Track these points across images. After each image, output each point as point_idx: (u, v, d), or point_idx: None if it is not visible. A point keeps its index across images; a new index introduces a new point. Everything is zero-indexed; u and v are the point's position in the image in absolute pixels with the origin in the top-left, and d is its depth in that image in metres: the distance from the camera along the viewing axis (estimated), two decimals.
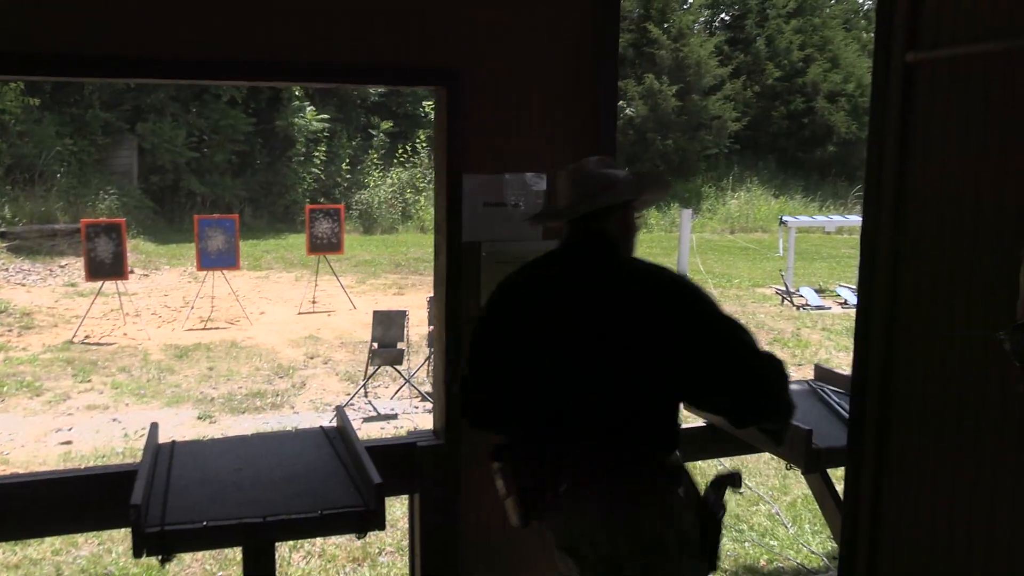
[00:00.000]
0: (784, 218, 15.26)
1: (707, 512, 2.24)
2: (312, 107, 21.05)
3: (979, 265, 1.60)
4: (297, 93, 20.74)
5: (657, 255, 16.49)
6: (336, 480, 2.70)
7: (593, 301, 2.21)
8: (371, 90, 22.16)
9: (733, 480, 2.29)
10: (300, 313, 11.59)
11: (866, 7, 30.17)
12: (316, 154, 20.84)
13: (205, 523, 2.38)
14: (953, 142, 1.67)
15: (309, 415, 7.43)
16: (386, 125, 21.97)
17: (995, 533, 1.73)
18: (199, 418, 7.35)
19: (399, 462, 3.14)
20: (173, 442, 3.00)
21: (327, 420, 7.23)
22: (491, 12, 3.03)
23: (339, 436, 3.10)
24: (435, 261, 3.23)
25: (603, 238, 2.29)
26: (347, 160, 21.27)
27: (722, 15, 28.46)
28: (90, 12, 2.61)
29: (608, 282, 2.23)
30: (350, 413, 7.46)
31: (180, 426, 7.12)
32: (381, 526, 2.52)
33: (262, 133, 20.80)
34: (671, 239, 18.29)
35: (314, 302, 12.13)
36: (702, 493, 2.29)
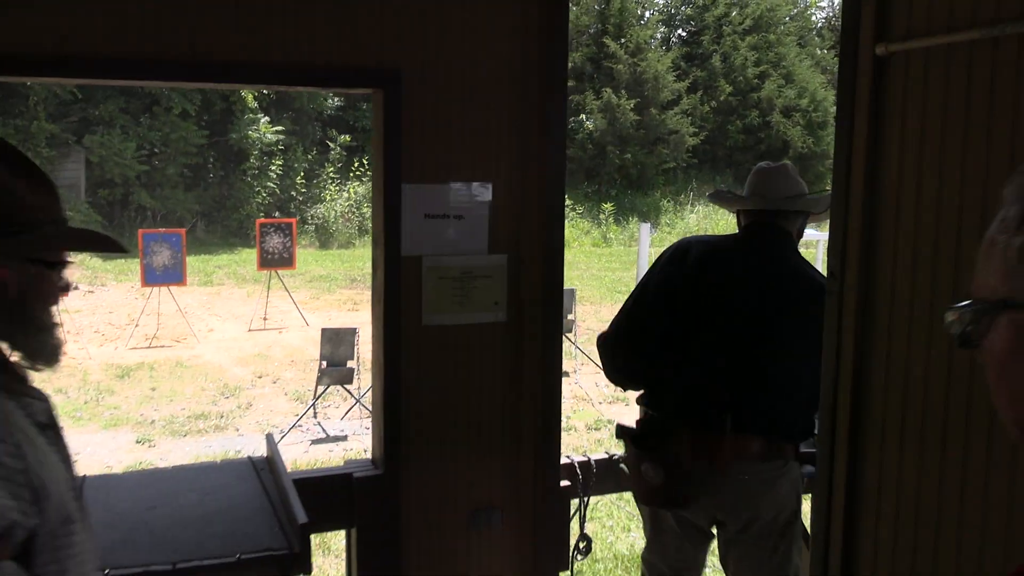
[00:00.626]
0: None
1: None
2: (267, 119, 20.69)
3: (962, 271, 1.44)
4: (251, 105, 20.39)
5: (616, 269, 16.39)
6: (260, 518, 2.46)
7: (789, 289, 2.47)
8: (328, 102, 21.89)
9: (813, 458, 2.43)
10: (250, 330, 11.26)
11: (819, 25, 30.61)
12: (271, 167, 20.47)
13: (107, 571, 2.13)
14: (931, 138, 1.51)
15: (255, 438, 7.14)
16: (343, 139, 21.68)
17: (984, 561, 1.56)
18: (138, 442, 7.02)
19: (335, 494, 2.90)
20: (83, 476, 2.74)
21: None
22: (436, 13, 2.84)
23: (267, 467, 2.86)
24: (373, 276, 3.01)
25: (790, 236, 2.61)
26: (303, 174, 20.93)
27: (679, 31, 28.66)
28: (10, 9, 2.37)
29: (800, 275, 2.50)
30: (298, 435, 7.17)
31: (117, 450, 6.78)
32: (307, 570, 2.28)
33: (215, 146, 20.40)
34: (630, 253, 18.23)
35: (265, 319, 11.80)
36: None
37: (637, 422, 2.69)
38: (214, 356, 9.87)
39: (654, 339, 2.66)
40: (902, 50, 1.52)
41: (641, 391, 2.73)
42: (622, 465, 3.30)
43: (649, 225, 17.03)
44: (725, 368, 2.46)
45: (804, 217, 2.68)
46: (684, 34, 28.44)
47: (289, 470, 2.81)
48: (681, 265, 2.63)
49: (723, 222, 23.57)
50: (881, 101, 1.55)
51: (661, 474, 2.46)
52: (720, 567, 2.75)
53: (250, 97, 20.37)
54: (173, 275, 10.42)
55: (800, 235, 2.69)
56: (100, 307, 12.64)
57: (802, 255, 2.66)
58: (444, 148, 2.92)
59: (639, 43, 25.18)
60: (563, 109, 2.99)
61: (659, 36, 27.68)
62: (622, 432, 2.63)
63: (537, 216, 2.98)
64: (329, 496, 2.85)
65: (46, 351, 1.35)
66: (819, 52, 29.16)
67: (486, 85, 2.94)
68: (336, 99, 22.22)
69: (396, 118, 2.82)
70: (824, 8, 31.53)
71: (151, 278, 10.39)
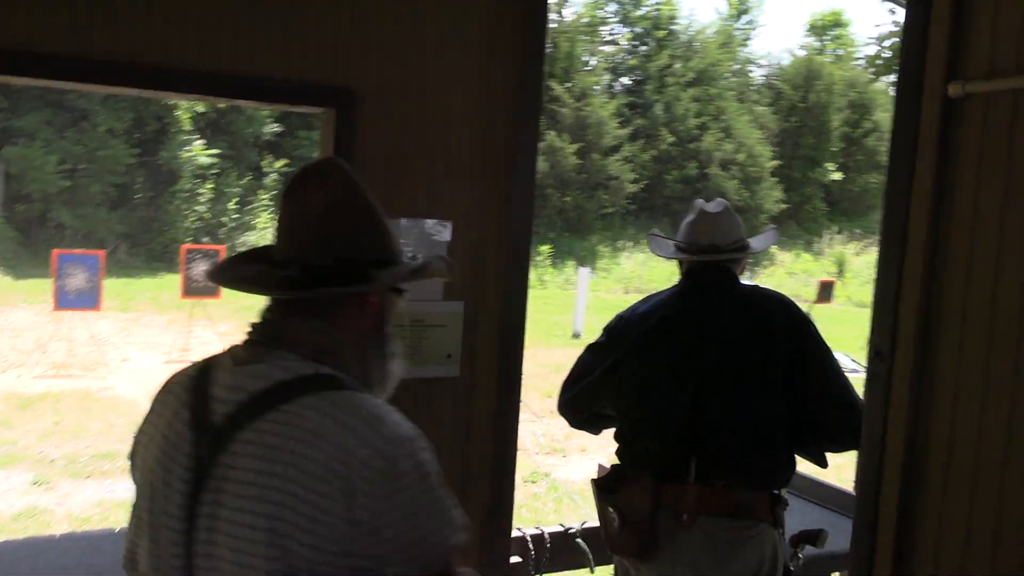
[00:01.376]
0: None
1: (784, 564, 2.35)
2: (202, 141, 20.06)
3: None
4: (186, 127, 19.75)
5: (552, 312, 16.17)
6: None
7: (743, 326, 2.35)
8: (265, 128, 21.37)
9: (813, 537, 2.37)
10: (168, 362, 10.62)
11: (758, 82, 31.37)
12: (202, 191, 19.79)
13: None
14: (1018, 193, 1.24)
15: None
16: (279, 164, 21.13)
17: None
18: (34, 483, 6.39)
19: None
20: None
21: None
22: (399, 31, 2.53)
23: None
24: None
25: (733, 273, 2.47)
26: (235, 199, 20.28)
27: (623, 78, 29.00)
28: None
29: (752, 307, 2.39)
30: None
31: (9, 492, 6.16)
32: None
33: (145, 166, 19.66)
34: (567, 296, 18.06)
35: (185, 350, 11.17)
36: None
37: (610, 466, 2.49)
38: (126, 389, 9.23)
39: (608, 403, 2.57)
40: (982, 91, 1.27)
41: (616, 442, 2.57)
42: (579, 540, 3.01)
43: (588, 269, 16.90)
44: (689, 415, 2.33)
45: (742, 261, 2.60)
46: (628, 82, 28.80)
47: None
48: (628, 326, 2.55)
49: (658, 270, 23.68)
50: (951, 148, 1.30)
51: (619, 522, 2.34)
52: None
53: (186, 118, 19.74)
54: (87, 299, 9.77)
55: (743, 272, 2.58)
56: (6, 330, 11.83)
57: (743, 282, 2.55)
58: (399, 180, 2.59)
59: (584, 88, 25.36)
60: (534, 144, 2.70)
61: (604, 83, 27.95)
62: (596, 476, 2.45)
63: (499, 260, 2.68)
64: None
65: (388, 377, 1.37)
66: (757, 108, 29.83)
67: (451, 113, 2.63)
68: (274, 124, 21.72)
69: (347, 142, 2.49)
70: (763, 66, 32.34)
71: (64, 302, 9.73)
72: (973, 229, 1.32)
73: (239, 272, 1.36)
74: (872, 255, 26.16)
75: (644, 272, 23.42)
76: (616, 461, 2.53)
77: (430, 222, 2.62)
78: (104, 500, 6.04)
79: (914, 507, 1.45)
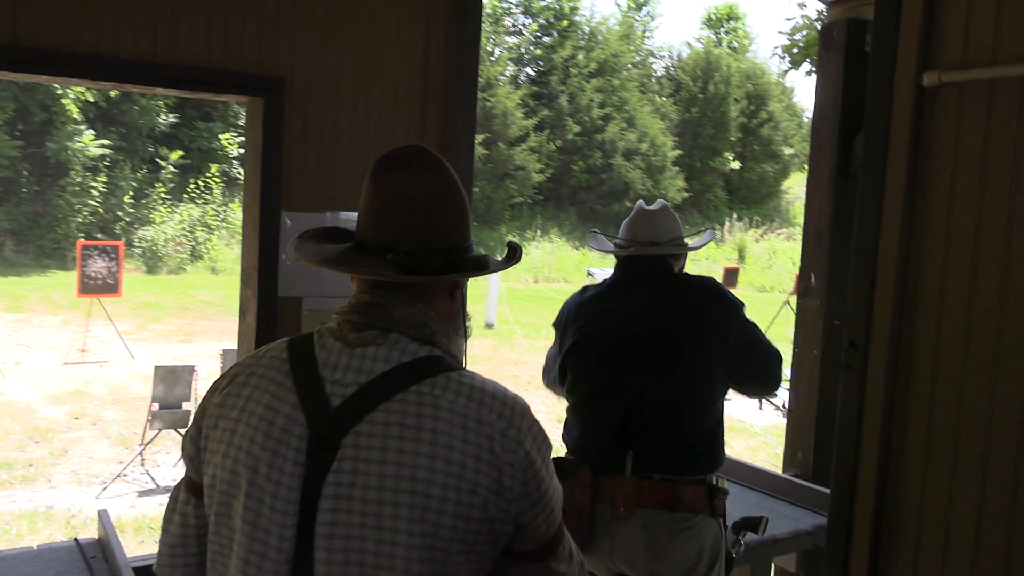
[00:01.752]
0: (591, 270, 15.40)
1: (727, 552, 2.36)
2: (91, 131, 19.12)
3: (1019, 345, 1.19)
4: (75, 116, 18.79)
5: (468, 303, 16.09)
6: None
7: (677, 315, 2.38)
8: (160, 118, 20.54)
9: (754, 524, 2.43)
10: (66, 363, 10.12)
11: (659, 73, 31.94)
12: (94, 185, 18.88)
13: None
14: (996, 182, 1.27)
15: (70, 490, 6.26)
16: (175, 155, 20.35)
17: None
18: None
19: None
20: None
21: (93, 495, 6.11)
22: (328, 19, 2.44)
23: (100, 554, 2.32)
24: (241, 321, 2.53)
25: (669, 266, 2.50)
26: (130, 193, 19.44)
27: (527, 69, 29.08)
28: None
29: (685, 296, 2.42)
30: (122, 486, 6.37)
31: None
32: None
33: (30, 158, 18.63)
34: (480, 287, 18.02)
35: (83, 351, 10.66)
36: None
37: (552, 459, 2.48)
38: (22, 393, 8.74)
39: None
40: (957, 81, 1.29)
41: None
42: None
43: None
44: (622, 407, 2.36)
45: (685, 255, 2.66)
46: (533, 73, 28.89)
47: (126, 551, 2.29)
48: (569, 318, 2.58)
49: (566, 259, 23.88)
50: (925, 138, 1.32)
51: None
52: None
53: (74, 108, 18.77)
54: None
55: (680, 271, 2.62)
56: None
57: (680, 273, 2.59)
58: (332, 171, 2.52)
59: (489, 79, 25.30)
60: (471, 132, 2.66)
61: (508, 73, 27.97)
62: None
63: None
64: None
65: (464, 357, 1.44)
66: (659, 99, 30.39)
67: (383, 102, 2.56)
68: (169, 115, 20.89)
69: (277, 133, 2.40)
70: (664, 57, 32.94)
71: None
72: (949, 218, 1.34)
73: (333, 253, 1.39)
74: (770, 242, 27.04)
75: (553, 262, 23.60)
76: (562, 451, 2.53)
77: None
78: (3, 512, 5.70)
79: (892, 500, 1.47)
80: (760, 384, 2.44)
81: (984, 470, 1.34)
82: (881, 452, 1.42)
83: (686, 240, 2.59)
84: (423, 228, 1.34)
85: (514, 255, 1.45)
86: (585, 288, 2.64)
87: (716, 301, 2.39)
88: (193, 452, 1.39)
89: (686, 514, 2.28)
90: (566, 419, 2.54)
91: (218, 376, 1.43)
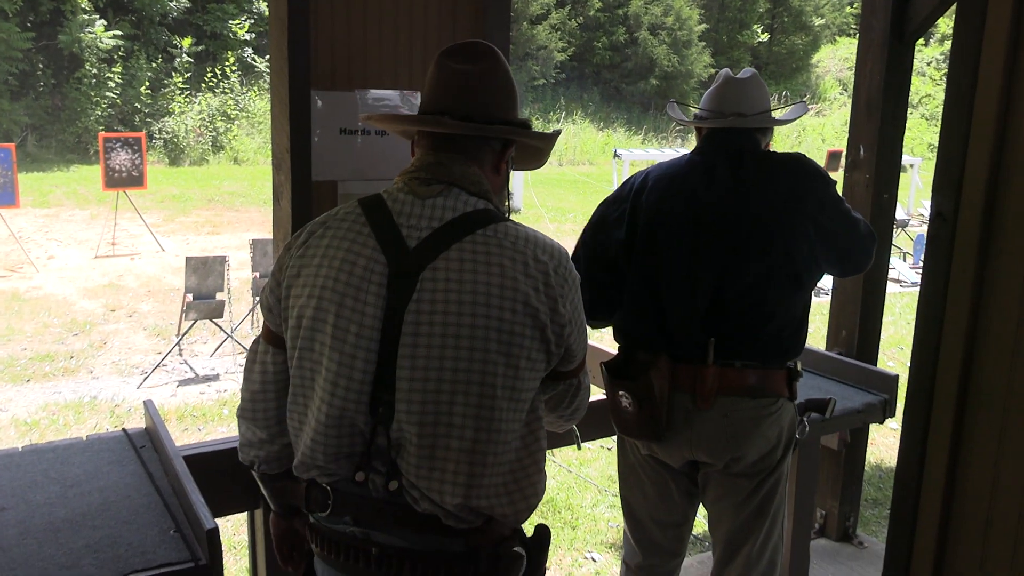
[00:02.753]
0: (618, 151, 15.11)
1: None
2: (103, 21, 18.70)
3: None
4: (84, 5, 18.33)
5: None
6: (148, 517, 1.94)
7: (766, 196, 2.20)
8: (171, 3, 20.00)
9: (822, 406, 2.42)
10: (97, 257, 10.20)
11: None
12: (110, 76, 18.59)
13: None
14: None
15: (112, 380, 6.38)
16: (186, 42, 19.88)
17: None
18: None
19: (233, 470, 2.39)
20: None
21: (135, 385, 6.23)
22: None
23: (150, 443, 2.32)
24: (275, 206, 2.45)
25: (756, 142, 2.31)
26: (147, 83, 19.14)
27: None
28: None
29: (775, 177, 2.23)
30: (162, 376, 6.48)
31: None
32: None
33: (44, 51, 18.33)
34: None
35: (114, 244, 10.72)
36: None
37: (618, 350, 2.38)
38: (57, 287, 8.84)
39: (620, 275, 2.37)
40: None
41: (621, 321, 2.40)
42: None
43: None
44: (706, 293, 2.21)
45: (772, 131, 2.44)
46: None
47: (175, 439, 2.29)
48: (640, 197, 2.33)
49: (590, 141, 23.43)
50: None
51: (635, 405, 2.24)
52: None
53: None
54: (4, 196, 9.20)
55: (767, 147, 2.41)
56: None
57: (769, 151, 2.38)
58: (362, 47, 2.38)
59: None
60: (506, 6, 2.49)
61: None
62: (603, 362, 2.34)
63: None
64: (228, 474, 2.34)
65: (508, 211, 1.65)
66: None
67: None
68: (182, 0, 20.34)
69: (302, 6, 2.25)
70: None
71: None
72: None
73: (414, 118, 1.62)
74: (800, 118, 26.31)
75: (578, 144, 23.20)
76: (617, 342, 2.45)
77: (399, 93, 2.42)
78: (49, 403, 5.84)
79: (976, 380, 1.39)
80: (855, 264, 2.31)
81: None
82: (968, 331, 1.33)
83: (774, 114, 2.37)
84: (475, 99, 1.56)
85: (556, 133, 1.71)
86: (670, 162, 2.40)
87: (810, 181, 2.20)
88: (273, 302, 1.58)
89: (768, 399, 2.21)
90: (627, 308, 2.34)
91: (294, 235, 1.62)
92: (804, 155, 2.30)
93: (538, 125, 23.58)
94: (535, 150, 1.73)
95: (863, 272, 2.39)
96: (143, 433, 2.40)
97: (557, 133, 1.72)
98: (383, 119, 1.69)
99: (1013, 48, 1.19)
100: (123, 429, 2.44)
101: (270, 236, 6.98)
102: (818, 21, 31.12)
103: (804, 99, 27.68)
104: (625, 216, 2.35)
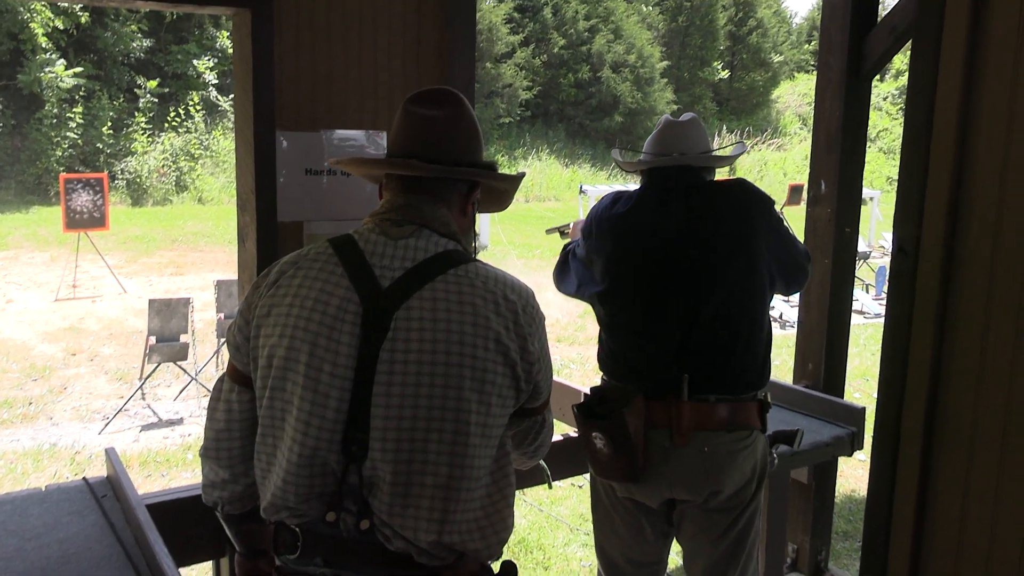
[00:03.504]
0: (584, 187, 15.23)
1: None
2: (63, 61, 18.57)
3: None
4: (44, 44, 18.20)
5: None
6: (110, 570, 1.88)
7: (721, 225, 2.24)
8: (134, 43, 19.93)
9: (790, 437, 2.44)
10: (58, 300, 10.01)
11: None
12: (71, 116, 18.42)
13: None
14: None
15: (72, 427, 6.23)
16: (152, 84, 19.80)
17: None
18: None
19: (198, 517, 2.34)
20: None
21: (96, 431, 6.09)
22: None
23: (111, 492, 2.26)
24: (240, 248, 2.43)
25: (703, 176, 2.34)
26: (109, 123, 18.98)
27: None
28: None
29: (728, 206, 2.26)
30: (125, 421, 6.34)
31: None
32: None
33: (3, 91, 18.13)
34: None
35: (75, 286, 10.54)
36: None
37: (590, 389, 2.37)
38: (15, 332, 8.66)
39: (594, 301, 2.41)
40: None
41: (598, 360, 2.44)
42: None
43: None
44: (678, 327, 2.22)
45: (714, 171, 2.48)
46: None
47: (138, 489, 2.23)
48: (605, 239, 2.34)
49: (556, 177, 23.61)
50: (984, 17, 1.19)
51: (610, 446, 2.21)
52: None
53: (41, 35, 18.16)
54: None
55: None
56: None
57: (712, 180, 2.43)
58: (327, 87, 2.38)
59: None
60: (471, 39, 2.51)
61: None
62: (575, 405, 2.33)
63: None
64: (194, 522, 2.29)
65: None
66: (645, 8, 29.65)
67: (378, 12, 2.41)
68: (145, 40, 20.27)
69: (267, 47, 2.25)
70: None
71: None
72: (1012, 103, 1.23)
73: (384, 161, 1.65)
74: (761, 153, 26.76)
75: (543, 180, 23.36)
76: (592, 381, 2.45)
77: (364, 133, 2.42)
78: (7, 451, 5.68)
79: (943, 415, 1.40)
80: (796, 281, 2.35)
81: None
82: (932, 364, 1.35)
83: (715, 154, 2.42)
84: (441, 143, 1.60)
85: (520, 175, 1.75)
86: (615, 197, 2.41)
87: (759, 204, 2.25)
88: (241, 341, 1.59)
89: (743, 432, 2.22)
90: (603, 343, 2.38)
91: (263, 273, 1.64)
92: (745, 179, 2.36)
93: (504, 162, 23.53)
94: (500, 192, 1.77)
95: (801, 288, 2.45)
96: (104, 482, 2.34)
97: (521, 175, 1.77)
98: (352, 163, 1.71)
99: (967, 84, 1.23)
100: (84, 478, 2.38)
101: (235, 277, 6.90)
102: (777, 58, 31.83)
103: (766, 133, 28.20)
104: (584, 246, 2.38)
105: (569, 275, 2.48)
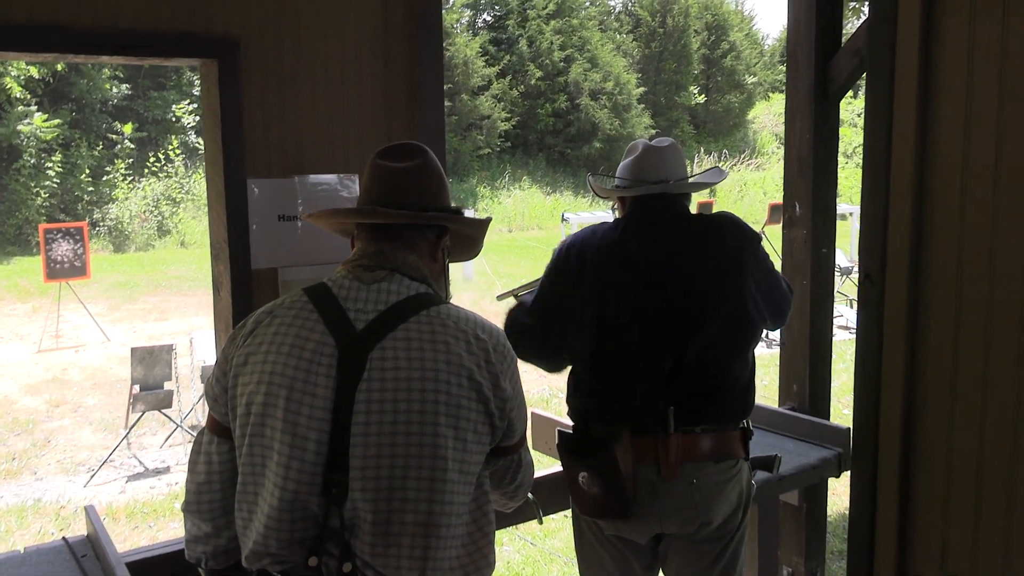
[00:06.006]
0: (566, 214, 15.29)
1: None
2: (41, 112, 18.55)
3: None
4: (18, 95, 18.19)
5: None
6: None
7: (703, 258, 2.21)
8: (112, 90, 19.96)
9: (768, 463, 2.42)
10: (40, 351, 9.92)
11: (617, 10, 31.49)
12: (49, 165, 18.37)
13: None
14: (1010, 88, 1.17)
15: (57, 481, 6.15)
16: (128, 128, 19.77)
17: None
18: None
19: (180, 573, 2.30)
20: None
21: (81, 484, 6.01)
22: None
23: (91, 552, 2.22)
24: (215, 297, 2.42)
25: (686, 206, 2.32)
26: (87, 171, 18.93)
27: (484, 15, 28.53)
28: None
29: (709, 242, 2.24)
30: (110, 472, 6.27)
31: None
32: None
33: None
34: None
35: (57, 336, 10.45)
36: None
37: (572, 427, 2.33)
38: None
39: (566, 351, 2.33)
40: None
41: (571, 398, 2.37)
42: (528, 494, 2.91)
43: (471, 212, 16.75)
44: (667, 361, 2.19)
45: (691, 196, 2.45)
46: (490, 18, 28.36)
47: (115, 541, 2.20)
48: (579, 271, 2.26)
49: (538, 206, 23.70)
50: (934, 47, 1.21)
51: (600, 485, 2.18)
52: None
53: (16, 87, 18.15)
54: None
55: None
56: None
57: (699, 214, 2.38)
58: (297, 133, 2.39)
59: (447, 28, 24.79)
60: (439, 83, 2.53)
61: (465, 21, 27.43)
62: (559, 440, 2.29)
63: None
64: None
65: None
66: (619, 36, 29.98)
67: (344, 55, 2.42)
68: (123, 86, 20.31)
69: (235, 96, 2.26)
70: None
71: None
72: (966, 133, 1.24)
73: (353, 210, 1.71)
74: (740, 173, 26.96)
75: (526, 209, 23.43)
76: (568, 419, 2.42)
77: (336, 178, 2.42)
78: None
79: (918, 434, 1.40)
80: (781, 317, 2.33)
81: (1017, 396, 1.27)
82: (905, 386, 1.35)
83: (695, 179, 2.37)
84: (409, 193, 1.66)
85: (487, 220, 1.81)
86: (594, 230, 2.32)
87: (746, 240, 2.22)
88: (219, 392, 1.61)
89: (729, 462, 2.21)
90: (581, 381, 2.29)
91: (238, 325, 1.65)
92: (732, 214, 2.34)
93: (486, 193, 23.50)
94: (469, 239, 1.82)
95: (784, 324, 2.42)
96: (84, 541, 2.30)
97: (488, 219, 1.83)
98: (323, 215, 1.75)
99: (922, 109, 1.24)
100: (64, 538, 2.34)
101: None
102: (750, 80, 32.18)
103: (744, 153, 28.46)
104: (556, 284, 2.28)
105: (534, 337, 2.31)
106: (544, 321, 2.30)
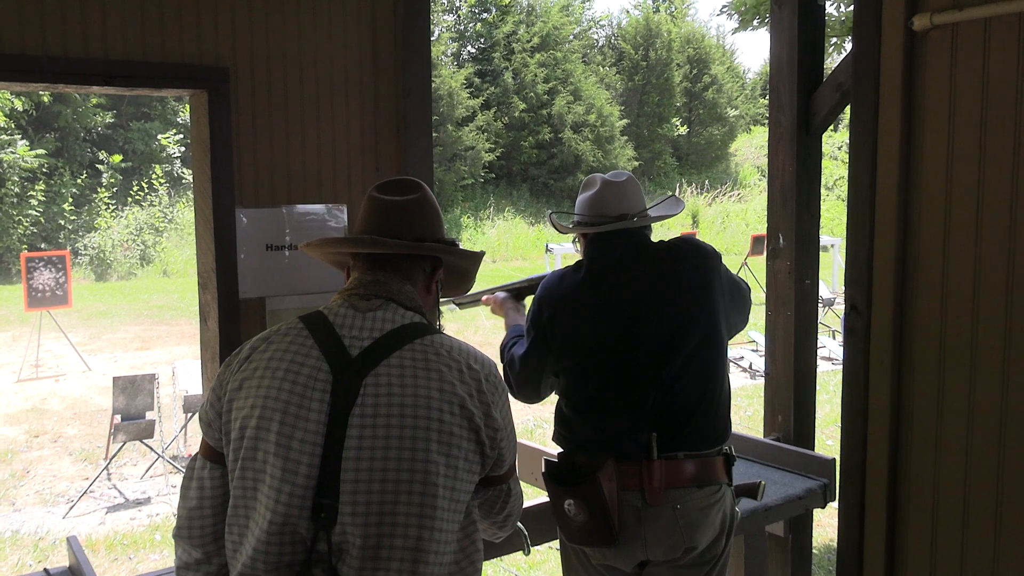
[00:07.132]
0: (549, 245, 15.37)
1: None
2: (25, 141, 18.50)
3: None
4: (3, 124, 18.14)
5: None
6: None
7: (671, 282, 2.25)
8: (97, 119, 19.94)
9: (752, 490, 2.41)
10: (20, 381, 9.80)
11: (600, 43, 31.86)
12: (32, 194, 18.28)
13: None
14: (991, 127, 1.20)
15: (35, 512, 6.05)
16: (115, 159, 19.76)
17: None
18: None
19: None
20: None
21: (60, 515, 5.92)
22: (271, 4, 2.32)
23: None
24: (202, 327, 2.41)
25: (648, 238, 2.36)
26: (70, 200, 18.86)
27: (469, 47, 28.79)
28: None
29: (676, 263, 2.28)
30: (90, 503, 6.18)
31: None
32: None
33: None
34: None
35: (37, 366, 10.34)
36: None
37: (557, 456, 2.35)
38: None
39: (551, 388, 2.41)
40: (949, 22, 1.22)
41: (557, 427, 2.40)
42: (518, 524, 2.91)
43: (460, 244, 16.77)
44: (648, 388, 2.22)
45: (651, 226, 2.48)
46: (475, 51, 28.62)
47: (90, 557, 2.17)
48: (550, 324, 2.31)
49: (522, 236, 23.79)
50: (918, 85, 1.25)
51: (586, 512, 2.19)
52: None
53: (1, 116, 18.11)
54: None
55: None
56: None
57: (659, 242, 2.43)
58: (286, 163, 2.40)
59: (433, 59, 24.98)
60: (427, 114, 2.55)
61: (451, 53, 27.66)
62: (545, 469, 2.30)
63: None
64: None
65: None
66: (602, 69, 30.32)
67: (333, 85, 2.45)
68: (107, 115, 20.30)
69: (224, 127, 2.27)
70: (605, 27, 32.86)
71: None
72: (949, 168, 1.28)
73: (350, 240, 1.72)
74: (722, 205, 27.20)
75: (509, 240, 23.50)
76: (556, 448, 2.43)
77: (324, 207, 2.44)
78: None
79: (904, 465, 1.42)
80: (742, 324, 2.39)
81: (1002, 425, 1.29)
82: (892, 415, 1.36)
83: (655, 211, 2.41)
84: (405, 226, 1.69)
85: (480, 253, 1.85)
86: (562, 275, 2.37)
87: (709, 259, 2.28)
88: (212, 417, 1.61)
89: (712, 487, 2.23)
90: (565, 416, 2.34)
91: (234, 351, 1.66)
92: (690, 236, 2.41)
93: (470, 223, 23.57)
94: (462, 272, 1.86)
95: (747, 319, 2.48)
96: (66, 573, 2.27)
97: (481, 253, 1.87)
98: (320, 244, 1.77)
99: (906, 141, 1.27)
100: (45, 569, 2.31)
101: (197, 355, 6.82)
102: (732, 112, 32.57)
103: (725, 185, 28.70)
104: (538, 334, 2.33)
105: (528, 374, 2.38)
106: (537, 370, 2.37)
